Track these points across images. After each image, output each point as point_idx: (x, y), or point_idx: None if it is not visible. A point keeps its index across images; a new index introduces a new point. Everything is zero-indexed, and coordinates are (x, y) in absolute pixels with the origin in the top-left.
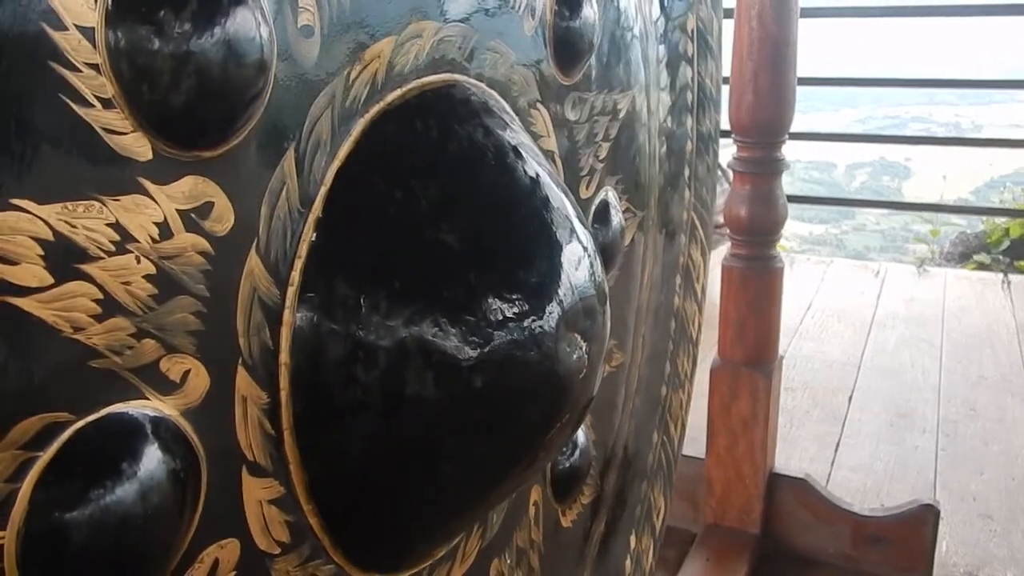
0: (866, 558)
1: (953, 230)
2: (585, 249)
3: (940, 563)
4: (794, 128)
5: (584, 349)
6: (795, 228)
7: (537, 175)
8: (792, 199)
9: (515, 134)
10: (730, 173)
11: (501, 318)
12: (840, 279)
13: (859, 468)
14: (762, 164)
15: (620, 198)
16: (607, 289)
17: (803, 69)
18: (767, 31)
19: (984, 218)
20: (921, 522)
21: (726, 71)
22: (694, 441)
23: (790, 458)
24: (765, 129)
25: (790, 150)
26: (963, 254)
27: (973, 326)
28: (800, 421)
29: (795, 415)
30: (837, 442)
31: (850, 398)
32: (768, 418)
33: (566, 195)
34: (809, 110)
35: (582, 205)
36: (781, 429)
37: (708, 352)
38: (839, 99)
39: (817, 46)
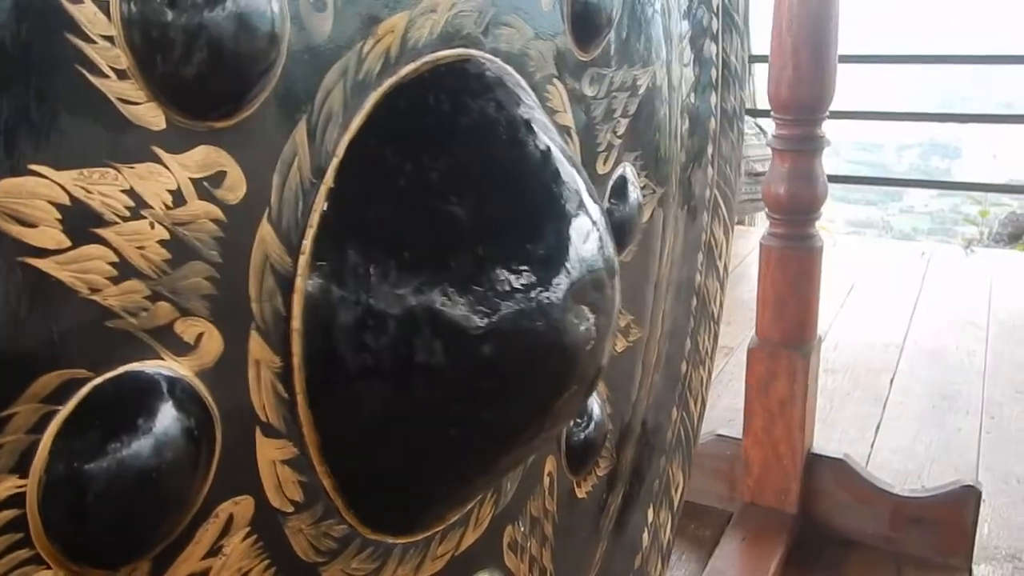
0: (906, 539)
1: (1004, 211)
2: (594, 223)
3: (981, 545)
4: (840, 107)
5: (592, 321)
6: (842, 211)
7: (548, 149)
8: (838, 179)
9: (528, 109)
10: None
11: (509, 288)
12: (884, 260)
13: (900, 450)
14: (802, 141)
15: (639, 174)
16: (616, 262)
17: (849, 47)
18: (808, 5)
19: None
20: (962, 503)
21: (764, 47)
22: (731, 421)
23: (830, 440)
24: (805, 106)
25: (835, 130)
26: (1012, 235)
27: (1021, 308)
28: (841, 403)
29: (836, 397)
30: (878, 424)
31: (892, 380)
32: (806, 399)
33: (577, 169)
34: (855, 89)
35: (600, 181)
36: (821, 411)
37: (747, 331)
38: (886, 79)
39: (864, 23)
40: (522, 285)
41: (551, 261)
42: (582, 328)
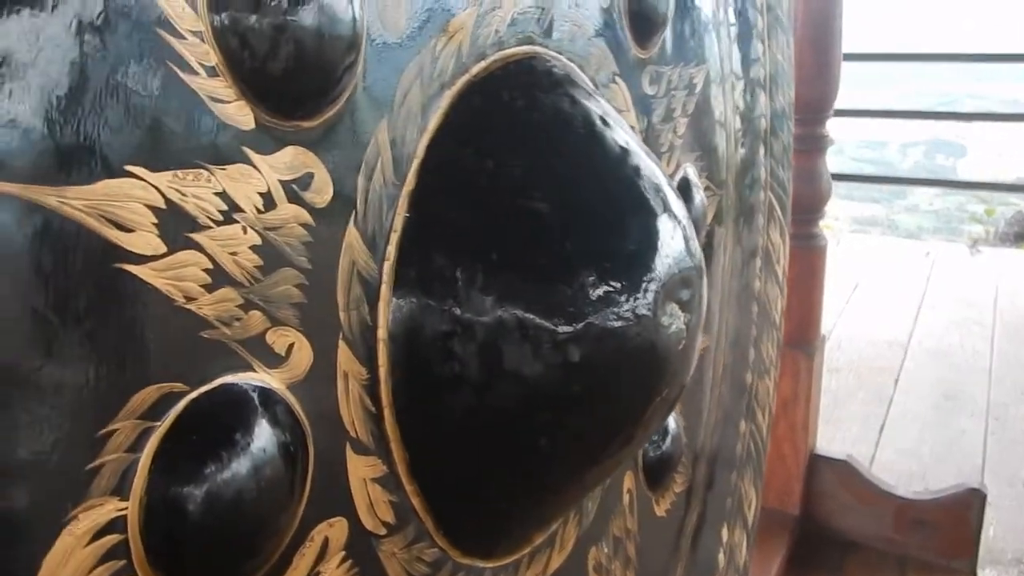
0: (909, 542)
1: (1010, 210)
2: (678, 219)
3: (987, 548)
4: (844, 105)
5: (683, 320)
6: (846, 209)
7: (627, 143)
8: (843, 177)
9: (600, 104)
10: None
11: (598, 288)
12: (889, 259)
13: (904, 451)
14: (806, 141)
15: (700, 175)
16: (703, 260)
17: (853, 45)
18: (811, 4)
19: None
20: (966, 506)
21: None
22: None
23: (833, 439)
24: (809, 106)
25: (839, 128)
26: (1019, 234)
27: None
28: (844, 402)
29: (839, 396)
30: (882, 424)
31: (896, 380)
32: (809, 398)
33: (656, 164)
34: (860, 87)
35: None
36: (825, 410)
37: None
38: (891, 76)
39: (868, 21)
40: (611, 284)
41: (640, 258)
42: (673, 328)
